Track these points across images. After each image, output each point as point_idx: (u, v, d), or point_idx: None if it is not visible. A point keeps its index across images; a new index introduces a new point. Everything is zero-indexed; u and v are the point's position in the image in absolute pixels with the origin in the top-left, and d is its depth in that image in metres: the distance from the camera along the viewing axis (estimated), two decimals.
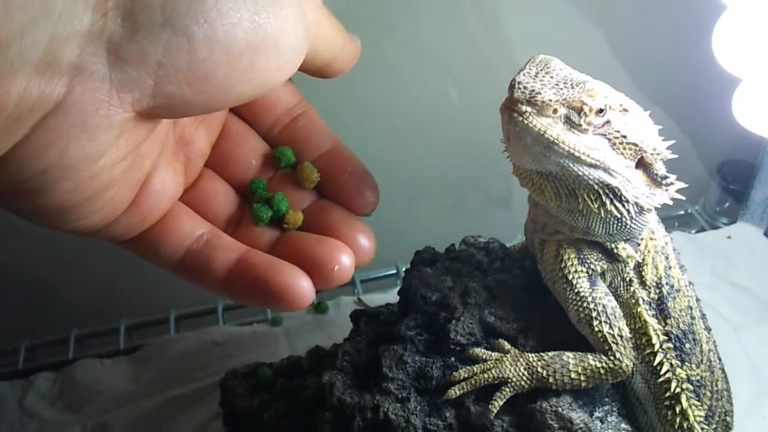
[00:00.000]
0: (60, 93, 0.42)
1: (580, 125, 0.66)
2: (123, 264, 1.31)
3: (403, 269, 0.97)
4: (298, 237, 0.60)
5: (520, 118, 0.64)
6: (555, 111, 0.64)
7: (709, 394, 0.80)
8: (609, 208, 0.69)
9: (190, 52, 0.45)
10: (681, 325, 0.77)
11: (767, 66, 0.86)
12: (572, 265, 0.74)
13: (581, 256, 0.74)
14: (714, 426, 0.81)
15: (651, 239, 0.76)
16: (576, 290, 0.74)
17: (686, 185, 0.72)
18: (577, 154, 0.65)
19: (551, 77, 0.66)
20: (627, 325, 0.75)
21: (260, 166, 0.65)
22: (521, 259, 0.86)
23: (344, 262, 0.57)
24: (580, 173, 0.66)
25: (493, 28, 1.23)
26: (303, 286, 0.55)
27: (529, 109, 0.64)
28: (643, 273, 0.76)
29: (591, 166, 0.66)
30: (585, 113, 0.65)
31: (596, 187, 0.68)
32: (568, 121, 0.65)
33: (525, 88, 0.64)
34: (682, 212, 1.36)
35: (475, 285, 0.79)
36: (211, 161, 0.64)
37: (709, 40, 0.89)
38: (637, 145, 0.69)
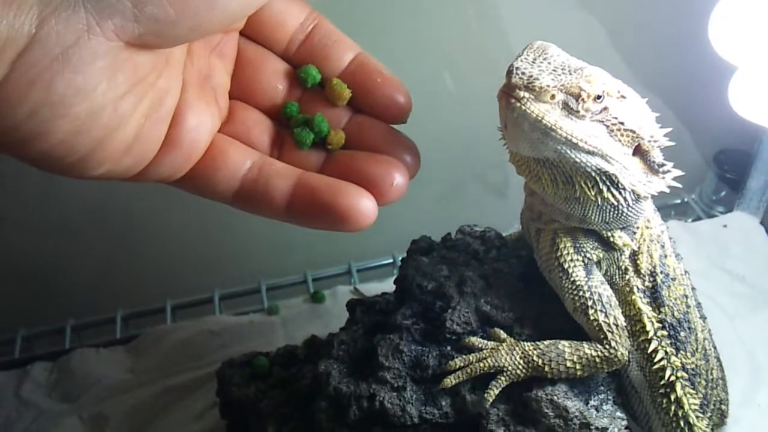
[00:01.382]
0: (31, 27, 0.42)
1: (578, 111, 0.65)
2: (119, 254, 1.31)
3: (400, 258, 0.97)
4: (348, 156, 0.60)
5: (518, 104, 0.63)
6: (553, 97, 0.64)
7: (704, 382, 0.80)
8: (606, 196, 0.68)
9: None
10: (676, 314, 0.77)
11: (764, 54, 0.86)
12: (568, 253, 0.74)
13: (577, 245, 0.74)
14: (709, 414, 0.81)
15: (647, 228, 0.76)
16: (572, 279, 0.74)
17: (683, 173, 0.72)
18: (574, 140, 0.65)
19: (549, 63, 0.66)
20: (622, 312, 0.75)
21: (287, 88, 0.64)
22: (517, 248, 0.86)
23: (399, 177, 0.57)
24: (577, 160, 0.66)
25: (490, 16, 1.22)
26: (367, 206, 0.55)
27: (526, 94, 0.63)
28: (639, 261, 0.76)
29: (588, 152, 0.66)
30: (583, 99, 0.65)
31: (593, 174, 0.67)
32: (566, 107, 0.65)
33: (522, 73, 0.64)
34: (678, 201, 1.36)
35: (471, 274, 0.79)
36: (235, 91, 0.62)
37: (705, 28, 0.88)
38: (634, 132, 0.68)
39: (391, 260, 1.26)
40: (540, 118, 0.64)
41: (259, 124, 0.62)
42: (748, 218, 1.26)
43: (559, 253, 0.74)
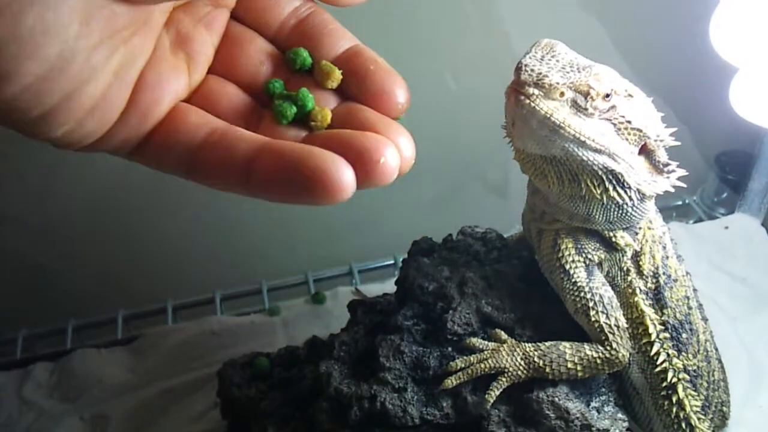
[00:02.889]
0: None
1: (586, 109, 0.65)
2: (121, 254, 1.31)
3: (401, 259, 0.97)
4: (332, 132, 0.52)
5: (527, 101, 0.63)
6: (562, 94, 0.64)
7: (705, 384, 0.80)
8: (611, 194, 0.68)
9: None
10: (678, 315, 0.77)
11: (765, 55, 0.86)
12: (570, 254, 0.74)
13: (579, 246, 0.74)
14: (710, 416, 0.81)
15: (649, 228, 0.76)
16: (573, 280, 0.74)
17: (687, 173, 0.72)
18: (582, 138, 0.65)
19: (557, 61, 0.66)
20: (624, 314, 0.75)
21: (272, 70, 0.57)
22: (518, 249, 0.86)
23: (390, 155, 0.48)
24: (584, 158, 0.66)
25: (491, 16, 1.22)
26: (343, 172, 0.46)
27: (536, 91, 0.63)
28: (641, 262, 0.76)
29: (596, 150, 0.66)
30: (591, 97, 0.65)
31: (600, 172, 0.67)
32: (575, 105, 0.65)
33: (532, 70, 0.64)
34: (679, 203, 1.36)
35: (472, 275, 0.79)
36: (217, 67, 0.57)
37: (706, 29, 0.88)
38: (641, 131, 0.68)
39: (392, 261, 1.26)
40: (549, 116, 0.64)
41: (232, 96, 0.56)
42: (750, 220, 1.26)
43: (560, 254, 0.74)
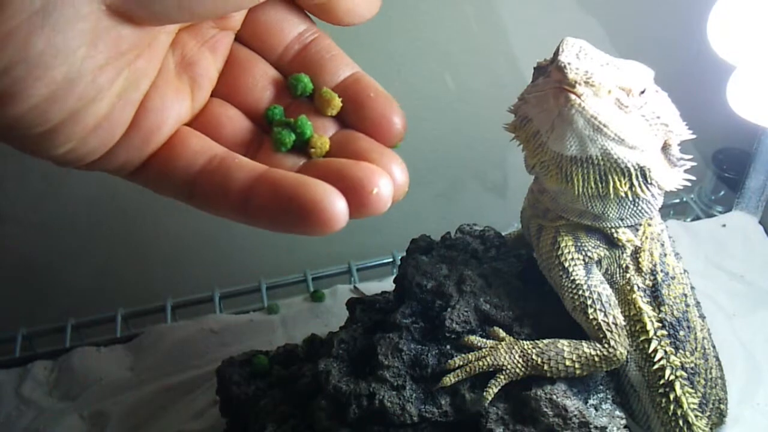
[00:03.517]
0: None
1: (627, 106, 0.65)
2: (120, 252, 1.31)
3: (399, 257, 0.97)
4: (328, 161, 0.53)
5: (578, 101, 0.62)
6: (609, 92, 0.63)
7: (703, 381, 0.80)
8: (636, 190, 0.68)
9: None
10: (675, 313, 0.77)
11: (762, 54, 0.86)
12: (569, 252, 0.74)
13: (578, 244, 0.74)
14: (708, 413, 0.81)
15: (648, 225, 0.76)
16: (572, 278, 0.74)
17: (696, 163, 0.73)
18: (622, 136, 0.65)
19: (591, 58, 0.65)
20: (622, 312, 0.75)
21: (274, 95, 0.58)
22: (516, 247, 0.87)
23: (384, 185, 0.49)
24: (621, 156, 0.66)
25: (489, 15, 1.23)
26: (336, 203, 0.47)
27: (586, 90, 0.62)
28: (640, 259, 0.76)
29: (631, 148, 0.66)
30: (632, 94, 0.65)
31: (632, 169, 0.67)
32: (617, 102, 0.65)
33: (578, 69, 0.63)
34: (677, 201, 1.36)
35: (470, 273, 0.79)
36: (220, 90, 0.58)
37: (704, 28, 0.89)
38: (667, 126, 0.69)
39: (390, 259, 1.26)
40: (596, 115, 0.63)
41: (234, 122, 0.57)
42: (747, 218, 1.26)
43: (559, 252, 0.74)
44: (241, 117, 0.58)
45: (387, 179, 0.50)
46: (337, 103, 0.56)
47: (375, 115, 0.55)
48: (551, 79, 0.64)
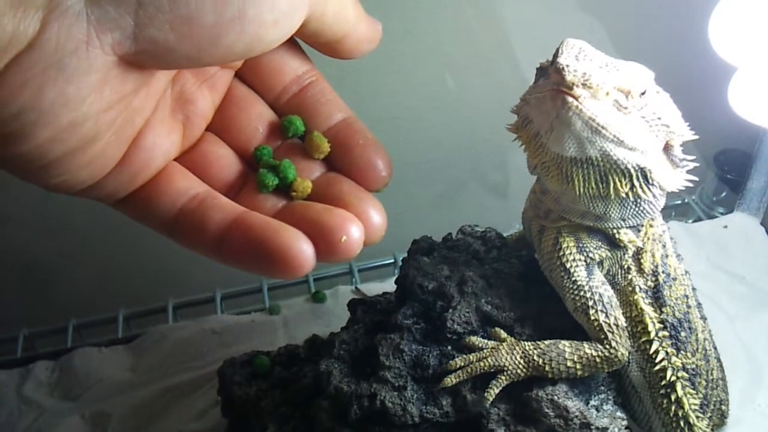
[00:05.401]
0: (34, 29, 0.41)
1: (626, 108, 0.65)
2: (121, 253, 1.31)
3: (401, 258, 0.97)
4: (305, 206, 0.55)
5: (575, 103, 0.62)
6: (608, 94, 0.63)
7: (704, 382, 0.80)
8: (637, 191, 0.68)
9: None
10: (677, 314, 0.77)
11: (764, 55, 0.86)
12: (570, 253, 0.74)
13: (580, 245, 0.74)
14: (709, 414, 0.81)
15: (650, 226, 0.76)
16: (573, 279, 0.74)
17: (697, 164, 0.73)
18: (621, 138, 0.64)
19: (591, 60, 0.65)
20: (623, 313, 0.75)
21: (266, 134, 0.61)
22: (518, 248, 0.87)
23: (353, 233, 0.51)
24: (621, 157, 0.66)
25: (490, 17, 1.23)
26: (303, 250, 0.50)
27: (584, 92, 0.62)
28: (642, 260, 0.76)
29: (631, 149, 0.66)
30: (632, 96, 0.65)
31: (632, 170, 0.67)
32: (616, 104, 0.65)
33: (576, 71, 0.63)
34: (678, 202, 1.36)
35: (471, 274, 0.79)
36: (214, 126, 0.60)
37: (705, 29, 0.89)
38: (668, 127, 0.68)
39: (392, 260, 1.26)
40: (594, 117, 0.63)
41: (223, 159, 0.59)
42: (749, 219, 1.26)
43: (561, 252, 0.74)
44: (231, 155, 0.60)
45: (357, 226, 0.52)
46: (326, 148, 0.58)
47: (361, 162, 0.58)
48: (550, 81, 0.64)
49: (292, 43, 0.60)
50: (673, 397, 0.77)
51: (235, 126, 0.60)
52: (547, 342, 0.73)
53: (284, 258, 0.50)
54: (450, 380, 0.72)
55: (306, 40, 0.57)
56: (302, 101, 0.61)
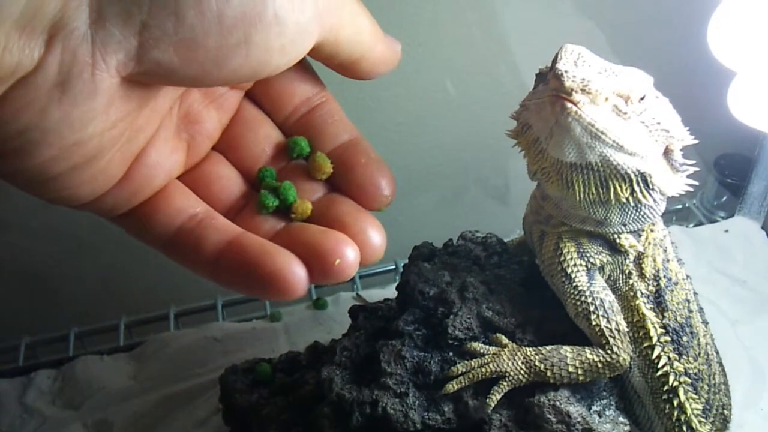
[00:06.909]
0: (40, 52, 0.41)
1: (626, 113, 0.65)
2: (123, 261, 1.31)
3: (402, 265, 0.97)
4: (302, 228, 0.55)
5: (575, 109, 0.62)
6: (607, 100, 0.63)
7: (706, 387, 0.80)
8: (638, 196, 0.68)
9: (176, 15, 0.43)
10: (678, 318, 0.77)
11: (763, 59, 0.86)
12: (571, 258, 0.74)
13: (581, 250, 0.74)
14: (711, 419, 0.81)
15: (651, 231, 0.76)
16: (574, 284, 0.74)
17: (698, 169, 0.73)
18: (621, 143, 0.65)
19: (590, 66, 0.65)
20: (625, 318, 0.75)
21: (272, 155, 0.61)
22: (519, 253, 0.87)
23: (348, 256, 0.51)
24: (620, 162, 0.66)
25: (491, 23, 1.23)
26: (295, 273, 0.50)
27: (583, 98, 0.62)
28: (643, 265, 0.76)
29: (631, 154, 0.66)
30: (631, 101, 0.65)
31: (632, 175, 0.67)
32: (615, 110, 0.65)
33: (575, 76, 0.63)
34: (679, 206, 1.36)
35: (472, 280, 0.79)
36: (221, 145, 0.60)
37: (704, 33, 0.89)
38: (668, 132, 0.69)
39: (393, 266, 1.26)
40: (593, 123, 0.63)
41: (225, 180, 0.59)
42: (750, 223, 1.26)
43: (562, 258, 0.74)
44: (234, 175, 0.60)
45: (353, 249, 0.52)
46: (328, 169, 0.59)
47: (363, 181, 0.58)
48: (549, 87, 0.64)
49: (303, 66, 0.60)
50: (675, 402, 0.77)
51: (242, 146, 0.60)
52: (548, 347, 0.73)
53: (277, 281, 0.50)
54: (452, 386, 0.72)
55: (321, 62, 0.57)
56: (310, 122, 0.61)
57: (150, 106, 0.50)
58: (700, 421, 0.79)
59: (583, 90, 0.62)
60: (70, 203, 0.51)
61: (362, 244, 0.53)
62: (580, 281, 0.74)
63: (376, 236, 0.55)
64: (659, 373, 0.77)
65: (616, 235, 0.74)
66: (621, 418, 0.75)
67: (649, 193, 0.69)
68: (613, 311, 0.73)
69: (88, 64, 0.43)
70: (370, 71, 0.59)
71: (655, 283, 0.77)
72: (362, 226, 0.54)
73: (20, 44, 0.40)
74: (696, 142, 0.72)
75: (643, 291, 0.76)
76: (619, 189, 0.68)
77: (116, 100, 0.46)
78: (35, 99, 0.42)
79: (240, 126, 0.60)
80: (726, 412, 0.86)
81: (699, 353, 0.79)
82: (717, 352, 0.85)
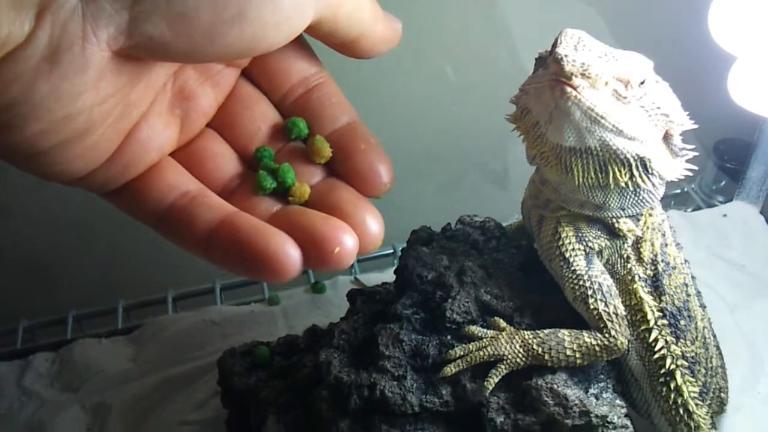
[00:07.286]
0: (30, 26, 0.41)
1: (626, 98, 0.65)
2: (121, 244, 1.31)
3: (400, 249, 0.97)
4: (300, 211, 0.54)
5: (574, 93, 0.62)
6: (606, 84, 0.63)
7: (703, 370, 0.80)
8: (637, 181, 0.68)
9: None
10: (676, 302, 0.77)
11: (763, 44, 0.86)
12: (570, 242, 0.74)
13: (579, 234, 0.74)
14: (708, 402, 0.82)
15: (650, 215, 0.76)
16: (572, 268, 0.74)
17: (697, 153, 0.73)
18: (620, 127, 0.64)
19: (590, 50, 0.65)
20: (623, 302, 0.75)
21: (269, 135, 0.60)
22: (517, 238, 0.87)
23: (347, 244, 0.51)
24: (620, 147, 0.66)
25: (490, 8, 1.22)
26: (289, 255, 0.49)
27: (583, 82, 0.62)
28: (641, 249, 0.76)
29: (631, 139, 0.66)
30: (631, 85, 0.65)
31: (631, 159, 0.67)
32: (615, 94, 0.64)
33: (575, 61, 0.62)
34: (678, 191, 1.36)
35: (471, 264, 0.79)
36: (216, 123, 0.59)
37: (705, 18, 0.88)
38: (668, 116, 0.68)
39: (391, 251, 1.26)
40: (593, 107, 0.63)
41: (220, 158, 0.58)
42: (748, 208, 1.26)
43: (560, 242, 0.74)
44: (229, 153, 0.59)
45: (352, 237, 0.51)
46: (327, 153, 0.57)
47: (362, 168, 0.57)
48: (549, 71, 0.64)
49: (301, 44, 0.60)
50: (672, 385, 0.78)
51: (237, 124, 0.59)
52: (546, 331, 0.73)
53: (270, 261, 0.49)
54: (449, 369, 0.73)
55: (320, 40, 0.57)
56: (308, 103, 0.60)
57: (143, 81, 0.49)
58: (696, 404, 0.79)
59: (582, 74, 0.62)
60: (62, 179, 0.50)
61: (361, 233, 0.52)
62: (578, 265, 0.74)
63: (375, 225, 0.54)
64: (656, 356, 0.77)
65: (614, 220, 0.74)
66: (618, 401, 0.75)
67: (648, 178, 0.69)
68: (611, 295, 0.73)
69: (78, 37, 0.42)
70: (370, 50, 0.58)
71: (653, 267, 0.77)
72: (362, 215, 0.54)
73: (10, 17, 0.40)
74: (696, 126, 0.72)
75: (641, 275, 0.77)
76: (618, 173, 0.67)
77: (107, 74, 0.45)
78: (24, 72, 0.42)
79: (235, 103, 0.59)
80: (723, 395, 0.86)
81: (696, 337, 0.79)
82: (714, 336, 0.85)
